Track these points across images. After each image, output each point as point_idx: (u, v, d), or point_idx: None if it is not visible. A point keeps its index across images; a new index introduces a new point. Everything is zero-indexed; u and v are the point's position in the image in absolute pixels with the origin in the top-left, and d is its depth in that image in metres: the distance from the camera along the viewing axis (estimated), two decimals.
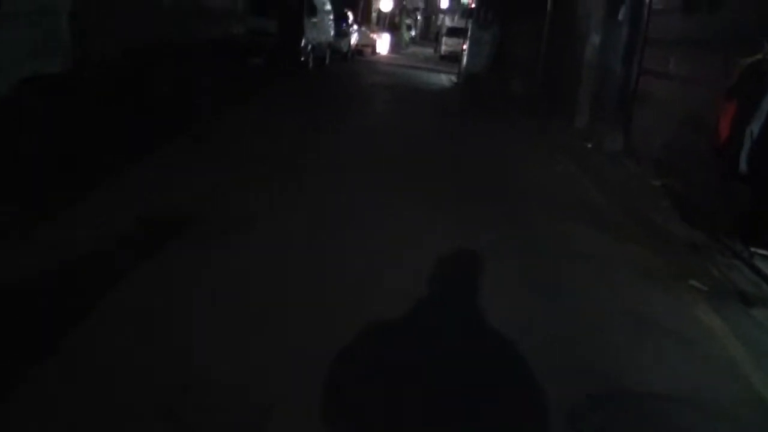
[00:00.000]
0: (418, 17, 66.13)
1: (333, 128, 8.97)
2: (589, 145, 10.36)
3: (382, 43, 34.50)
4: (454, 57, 35.13)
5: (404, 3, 52.90)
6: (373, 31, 34.85)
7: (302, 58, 15.53)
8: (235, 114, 8.98)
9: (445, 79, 21.46)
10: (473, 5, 56.82)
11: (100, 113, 5.93)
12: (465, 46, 24.43)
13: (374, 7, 39.73)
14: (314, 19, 16.38)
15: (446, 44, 37.40)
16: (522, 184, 7.39)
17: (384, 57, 32.28)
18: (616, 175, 8.22)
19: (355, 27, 25.30)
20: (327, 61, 18.99)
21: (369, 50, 30.76)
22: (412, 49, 47.57)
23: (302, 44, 15.24)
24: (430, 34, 71.90)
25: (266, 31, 14.03)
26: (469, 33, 19.68)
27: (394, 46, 38.80)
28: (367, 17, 37.59)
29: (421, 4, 66.38)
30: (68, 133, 5.38)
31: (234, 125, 8.35)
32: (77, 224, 4.20)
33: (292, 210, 5.17)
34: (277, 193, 5.59)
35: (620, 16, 10.99)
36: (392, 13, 44.66)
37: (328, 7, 18.99)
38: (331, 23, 19.28)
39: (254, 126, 8.56)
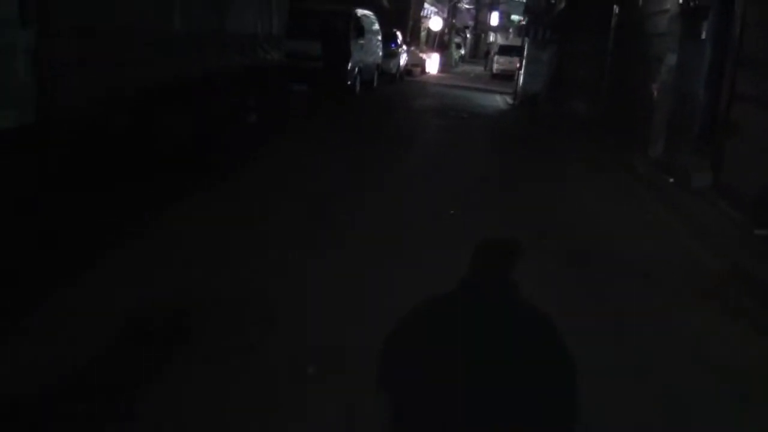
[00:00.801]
0: (468, 35, 65.24)
1: (377, 171, 7.77)
2: (671, 180, 9.13)
3: (432, 63, 33.65)
4: (506, 76, 34.06)
5: (454, 21, 52.10)
6: (422, 51, 34.04)
7: (349, 82, 14.66)
8: (269, 156, 7.84)
9: (500, 100, 20.37)
10: (524, 23, 55.75)
11: (64, 184, 4.52)
12: (520, 66, 23.38)
13: (423, 26, 38.94)
14: (361, 41, 15.53)
15: (498, 62, 36.37)
16: (608, 242, 5.95)
17: (434, 77, 31.38)
18: (711, 222, 6.98)
19: (404, 47, 24.44)
20: (375, 83, 18.14)
21: (418, 70, 29.93)
22: (462, 68, 46.67)
23: (348, 67, 14.39)
24: (479, 52, 70.94)
25: (309, 55, 13.23)
26: (525, 52, 18.57)
27: (444, 66, 37.94)
28: (416, 36, 36.84)
29: (470, 22, 65.53)
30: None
31: (265, 171, 7.16)
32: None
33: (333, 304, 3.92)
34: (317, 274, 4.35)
35: (703, 34, 9.76)
36: (441, 32, 43.80)
37: (376, 27, 18.15)
38: (379, 44, 18.44)
39: (289, 171, 7.37)
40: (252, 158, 7.26)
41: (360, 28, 15.08)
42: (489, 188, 7.71)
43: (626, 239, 6.03)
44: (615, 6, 15.68)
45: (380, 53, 18.60)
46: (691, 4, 10.19)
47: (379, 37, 18.43)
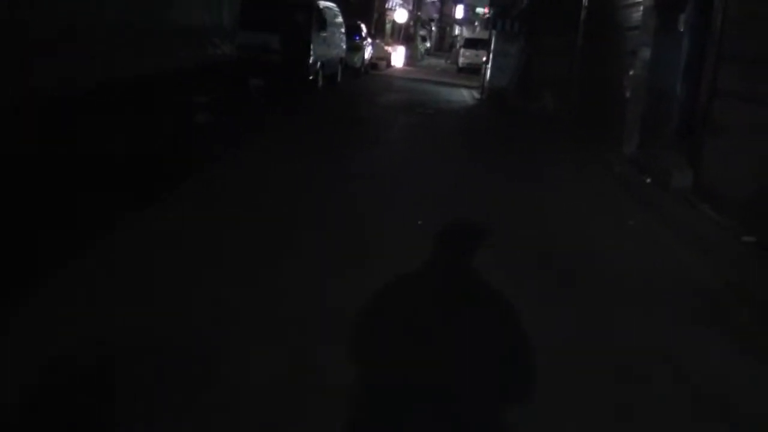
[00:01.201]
0: (433, 28, 64.80)
1: (340, 178, 6.92)
2: (648, 180, 8.72)
3: (397, 56, 33.07)
4: (472, 69, 33.66)
5: (419, 14, 51.58)
6: (387, 44, 33.44)
7: (311, 77, 13.99)
8: (216, 163, 6.71)
9: (467, 95, 19.89)
10: (488, 15, 55.48)
11: None
12: (487, 59, 22.96)
13: (389, 18, 38.32)
14: (324, 34, 14.86)
15: (464, 56, 35.96)
16: (589, 252, 5.34)
17: (399, 70, 30.81)
18: (696, 227, 6.54)
19: (369, 40, 23.82)
20: (338, 78, 17.48)
21: (384, 63, 29.33)
22: (428, 60, 46.20)
23: (310, 61, 13.71)
24: (445, 45, 70.58)
25: (268, 48, 12.53)
26: (492, 45, 18.10)
27: (409, 59, 37.38)
28: (381, 29, 36.21)
29: (435, 15, 65.13)
30: None
31: (207, 185, 5.98)
32: None
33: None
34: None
35: (681, 26, 9.35)
36: (407, 24, 43.23)
37: (340, 19, 17.48)
38: (343, 37, 17.77)
39: (237, 180, 6.34)
40: (195, 169, 6.31)
41: (322, 20, 14.39)
42: (458, 191, 7.18)
43: (608, 249, 5.53)
44: (582, 2, 15.31)
45: (344, 46, 17.94)
46: None
47: (343, 30, 17.76)
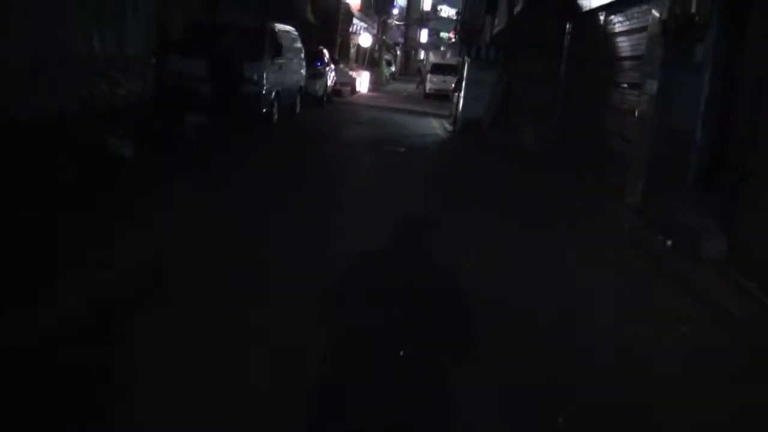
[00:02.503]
0: (398, 52, 63.76)
1: (288, 253, 5.28)
2: (669, 243, 7.16)
3: (362, 81, 31.60)
4: (440, 95, 32.35)
5: (384, 38, 50.39)
6: (352, 69, 31.94)
7: (264, 109, 12.25)
8: (127, 242, 5.03)
9: (437, 126, 18.34)
10: (453, 40, 54.49)
11: None
12: (456, 87, 21.63)
13: (353, 42, 36.89)
14: (279, 60, 13.16)
15: (432, 81, 34.67)
16: (606, 364, 3.85)
17: (364, 97, 29.32)
18: (749, 320, 4.95)
19: (332, 66, 22.20)
20: (298, 108, 15.78)
21: (348, 90, 27.78)
22: (393, 85, 44.96)
23: (263, 92, 11.99)
24: (410, 69, 69.66)
25: (213, 78, 10.81)
26: (465, 72, 16.62)
27: (375, 84, 36.03)
28: (345, 54, 34.75)
29: (400, 39, 64.16)
30: None
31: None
32: None
33: None
34: None
35: (697, 57, 7.90)
36: (371, 49, 41.89)
37: (299, 44, 15.83)
38: (302, 63, 16.10)
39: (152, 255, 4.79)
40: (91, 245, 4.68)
41: (277, 46, 12.68)
42: (438, 262, 5.54)
43: (633, 359, 3.90)
44: (567, 24, 13.94)
45: (304, 73, 16.25)
46: (679, 22, 8.33)
47: (302, 56, 16.09)
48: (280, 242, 5.56)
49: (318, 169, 9.51)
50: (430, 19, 73.26)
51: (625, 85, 10.22)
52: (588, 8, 12.31)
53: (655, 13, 8.89)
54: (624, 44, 10.66)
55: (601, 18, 11.66)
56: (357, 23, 32.65)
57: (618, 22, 10.95)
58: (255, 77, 11.74)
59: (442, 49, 64.31)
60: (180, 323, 3.75)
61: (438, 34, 79.71)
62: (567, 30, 13.82)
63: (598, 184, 10.42)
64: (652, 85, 8.97)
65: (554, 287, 5.38)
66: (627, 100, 10.21)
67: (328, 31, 26.21)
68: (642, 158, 9.09)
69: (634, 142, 9.32)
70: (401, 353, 3.62)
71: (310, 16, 25.28)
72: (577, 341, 4.21)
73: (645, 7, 9.49)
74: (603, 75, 11.58)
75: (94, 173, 6.19)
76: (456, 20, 70.74)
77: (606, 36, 11.54)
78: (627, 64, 10.46)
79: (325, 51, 21.12)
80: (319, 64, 19.69)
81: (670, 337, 4.48)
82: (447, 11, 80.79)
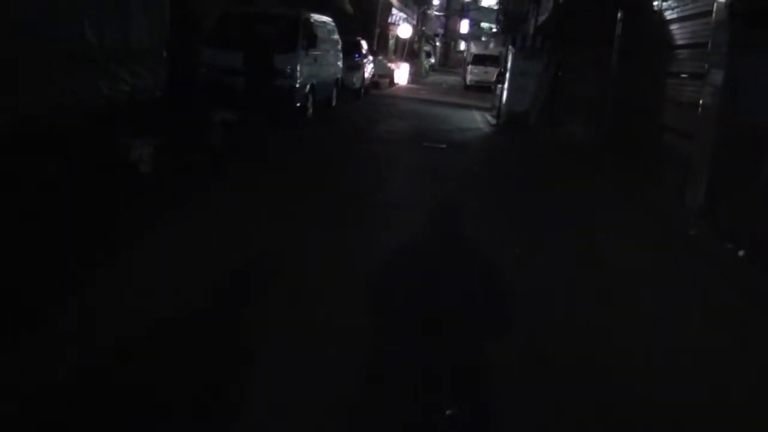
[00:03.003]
0: (437, 44, 62.82)
1: (321, 274, 4.72)
2: (741, 253, 6.43)
3: (401, 73, 30.93)
4: (481, 87, 31.48)
5: (423, 29, 49.58)
6: (390, 61, 31.31)
7: (298, 103, 11.76)
8: (144, 251, 4.69)
9: (480, 119, 17.61)
10: (495, 29, 53.49)
11: None
12: (499, 78, 20.87)
13: (392, 33, 36.21)
14: (315, 52, 12.65)
15: (472, 73, 33.82)
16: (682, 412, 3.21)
17: (403, 89, 28.67)
18: None
19: (370, 57, 21.63)
20: (333, 102, 15.26)
21: (386, 82, 27.18)
22: (433, 77, 44.17)
23: (297, 85, 11.49)
24: (449, 61, 68.64)
25: (245, 71, 10.34)
26: (509, 63, 15.86)
27: (414, 76, 35.31)
28: (384, 45, 34.12)
29: (440, 30, 63.21)
30: None
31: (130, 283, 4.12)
32: None
33: None
34: None
35: None
36: (411, 40, 41.14)
37: (335, 35, 15.28)
38: (339, 55, 15.57)
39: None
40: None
41: (312, 37, 12.18)
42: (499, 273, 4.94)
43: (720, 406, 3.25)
44: (618, 11, 13.09)
45: (340, 65, 15.73)
46: (748, 3, 7.53)
47: (339, 47, 15.57)
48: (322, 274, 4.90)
49: (353, 171, 8.85)
50: (471, 9, 72.10)
51: (685, 76, 9.42)
52: None
53: None
54: (683, 31, 9.85)
55: (657, 3, 10.83)
56: (396, 14, 32.00)
57: (676, 7, 10.12)
58: (288, 70, 11.25)
59: (483, 39, 63.20)
60: None
61: (479, 25, 78.40)
62: (618, 17, 12.98)
63: (654, 182, 9.66)
64: (717, 76, 8.19)
65: (622, 304, 4.75)
66: (686, 92, 9.43)
67: (366, 21, 25.63)
68: (705, 156, 8.31)
69: (696, 138, 8.54)
70: None
71: (347, 7, 24.71)
72: (612, 323, 3.58)
73: None
74: (659, 65, 10.77)
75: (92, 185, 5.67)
76: (498, 10, 69.58)
77: (662, 22, 10.71)
78: (687, 52, 9.65)
79: (363, 42, 20.56)
80: (357, 55, 19.13)
81: (715, 335, 3.81)
82: (488, 1, 79.53)
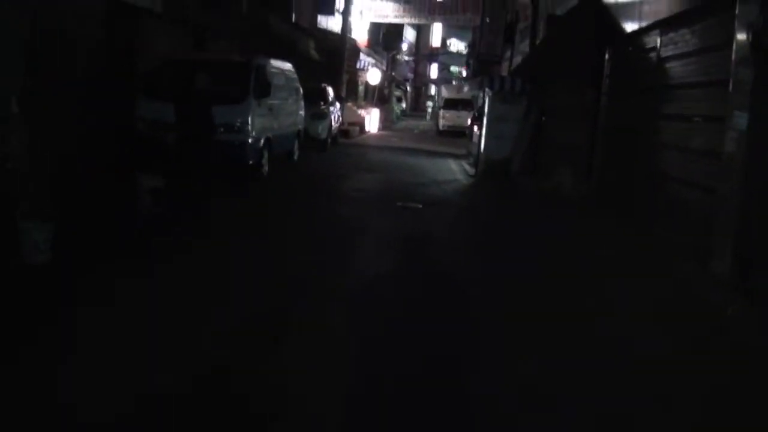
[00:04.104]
0: (408, 88, 62.29)
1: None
2: None
3: (371, 120, 29.79)
4: (454, 132, 30.41)
5: (393, 74, 48.84)
6: (360, 107, 30.17)
7: (250, 161, 10.26)
8: None
9: (456, 169, 16.27)
10: (464, 74, 53.07)
11: None
12: (474, 123, 19.73)
13: (361, 79, 35.21)
14: (272, 101, 11.23)
15: (445, 118, 32.82)
16: None
17: (374, 136, 27.49)
18: None
19: (338, 105, 20.33)
20: (296, 156, 13.81)
21: (357, 129, 25.97)
22: (404, 123, 43.27)
23: (249, 140, 10.03)
24: (420, 105, 68.12)
25: (184, 125, 8.82)
26: (487, 107, 14.61)
27: (385, 122, 34.23)
28: (353, 91, 33.05)
29: (410, 75, 62.74)
30: None
31: None
32: None
33: None
34: None
35: None
36: (381, 85, 40.20)
37: (296, 83, 13.92)
38: (301, 104, 14.16)
39: None
40: None
41: (265, 84, 10.74)
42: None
43: None
44: (606, 48, 11.94)
45: (302, 114, 14.29)
46: None
47: (300, 95, 14.15)
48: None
49: (308, 234, 7.36)
50: (440, 54, 72.00)
51: (698, 119, 8.14)
52: (634, 29, 10.31)
53: (741, 24, 6.87)
54: (690, 68, 8.62)
55: (654, 38, 9.63)
56: (364, 59, 30.99)
57: (680, 42, 8.92)
58: (238, 123, 9.79)
59: (454, 83, 62.89)
60: None
61: (448, 69, 78.43)
62: (607, 55, 11.81)
63: (665, 243, 8.30)
64: (742, 120, 6.90)
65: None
66: (697, 137, 8.15)
67: (333, 67, 24.46)
68: (732, 212, 6.97)
69: (718, 192, 7.19)
70: None
71: (313, 53, 23.56)
72: None
73: (722, 18, 7.45)
74: (657, 106, 9.54)
75: None
76: (467, 53, 69.57)
77: (661, 59, 9.51)
78: (696, 92, 8.40)
79: (329, 89, 19.26)
80: (321, 103, 17.80)
81: None
82: (456, 45, 79.67)
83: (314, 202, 9.93)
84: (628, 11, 10.58)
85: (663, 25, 9.22)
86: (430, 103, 62.44)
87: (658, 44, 9.74)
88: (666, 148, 9.13)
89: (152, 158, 8.31)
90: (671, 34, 9.05)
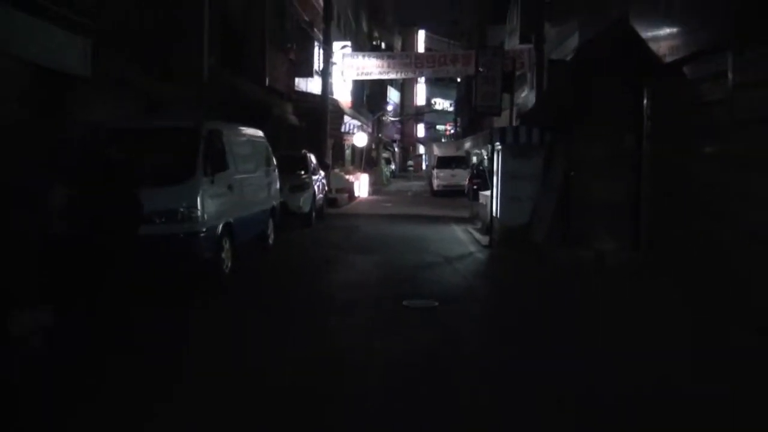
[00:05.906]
0: (396, 149, 60.66)
1: None
2: None
3: (361, 185, 27.60)
4: (450, 192, 28.26)
5: (380, 135, 47.03)
6: (348, 172, 28.01)
7: (204, 257, 7.76)
8: None
9: (464, 238, 13.79)
10: (451, 131, 51.49)
11: None
12: (483, 184, 17.60)
13: (347, 143, 33.20)
14: (234, 176, 8.85)
15: (439, 177, 30.65)
16: None
17: (365, 202, 25.21)
18: None
19: (321, 173, 18.02)
20: (270, 239, 11.33)
21: (345, 197, 23.71)
22: (395, 185, 41.19)
23: (200, 231, 7.58)
24: (406, 166, 66.63)
25: (110, 218, 6.37)
26: (498, 164, 12.30)
27: (374, 186, 32.09)
28: (340, 156, 30.96)
29: (396, 136, 61.19)
30: None
31: None
32: None
33: None
34: None
35: None
36: (368, 148, 38.22)
37: (267, 152, 11.54)
38: (274, 175, 11.74)
39: None
40: None
41: (220, 156, 8.30)
42: None
43: None
44: (644, 86, 9.72)
45: (276, 188, 11.86)
46: None
47: (273, 165, 11.75)
48: None
49: (277, 375, 4.77)
50: (425, 113, 70.87)
51: None
52: (684, 54, 8.08)
53: None
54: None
55: (721, 61, 7.37)
56: (349, 121, 28.97)
57: (749, 67, 6.68)
58: (183, 209, 7.35)
59: (443, 140, 61.47)
60: None
61: (434, 127, 77.28)
62: (645, 95, 9.57)
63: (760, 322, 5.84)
64: None
65: None
66: None
67: (315, 132, 22.30)
68: None
69: None
70: None
71: (291, 118, 21.43)
72: None
73: None
74: (726, 149, 7.28)
75: None
76: (454, 110, 68.33)
77: (723, 91, 7.25)
78: None
79: (311, 156, 16.96)
80: (302, 173, 15.45)
81: None
82: (441, 104, 78.78)
83: (288, 313, 7.16)
84: (673, 33, 8.38)
85: (738, 42, 6.96)
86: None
87: (716, 71, 7.52)
88: (744, 198, 6.85)
89: (59, 273, 5.85)
90: (754, 53, 6.77)
